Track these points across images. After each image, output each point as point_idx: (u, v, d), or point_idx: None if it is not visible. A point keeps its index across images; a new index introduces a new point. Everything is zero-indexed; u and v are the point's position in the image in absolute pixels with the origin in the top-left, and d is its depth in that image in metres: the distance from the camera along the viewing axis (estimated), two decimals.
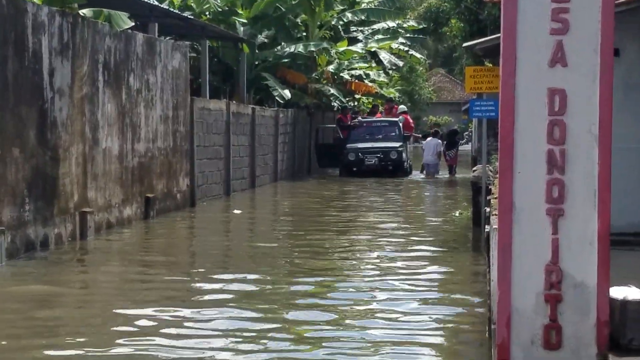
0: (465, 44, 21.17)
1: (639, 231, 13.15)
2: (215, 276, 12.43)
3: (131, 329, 9.43)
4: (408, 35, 44.59)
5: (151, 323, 9.62)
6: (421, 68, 69.41)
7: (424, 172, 34.12)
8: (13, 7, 13.60)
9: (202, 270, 13.30)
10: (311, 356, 8.54)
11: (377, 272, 12.74)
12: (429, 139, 34.88)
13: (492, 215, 9.33)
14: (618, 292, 6.46)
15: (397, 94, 52.80)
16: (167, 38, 25.63)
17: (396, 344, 8.87)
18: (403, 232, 17.31)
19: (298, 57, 33.37)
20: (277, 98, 31.49)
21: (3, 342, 8.87)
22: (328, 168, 35.33)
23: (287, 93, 31.23)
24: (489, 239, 9.85)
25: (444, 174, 33.97)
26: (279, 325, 9.53)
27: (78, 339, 9.00)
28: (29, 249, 13.86)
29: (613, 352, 6.30)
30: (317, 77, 35.72)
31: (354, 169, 32.72)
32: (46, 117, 14.54)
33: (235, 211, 20.87)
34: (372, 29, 40.69)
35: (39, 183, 14.28)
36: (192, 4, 29.97)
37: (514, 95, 6.41)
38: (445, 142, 34.73)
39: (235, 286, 11.71)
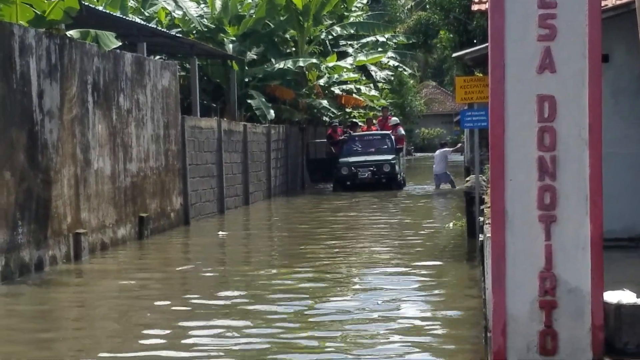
0: (454, 54, 21.19)
1: (633, 236, 13.18)
2: (211, 297, 12.40)
3: (129, 350, 9.39)
4: (397, 50, 44.59)
5: (153, 341, 9.61)
6: (411, 81, 69.42)
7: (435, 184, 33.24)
8: None
9: (198, 289, 13.26)
10: None
11: (371, 286, 12.74)
12: (437, 151, 33.92)
13: (486, 224, 9.31)
14: (612, 297, 6.46)
15: (388, 106, 52.73)
16: (156, 57, 25.63)
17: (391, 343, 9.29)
18: (397, 245, 17.28)
19: (288, 73, 33.32)
20: (267, 115, 31.39)
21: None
22: (321, 183, 35.21)
23: (271, 113, 30.90)
24: (483, 249, 9.84)
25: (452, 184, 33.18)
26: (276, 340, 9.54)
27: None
28: (23, 272, 13.81)
29: (609, 356, 6.29)
30: (307, 92, 35.71)
31: (348, 183, 32.46)
32: (36, 139, 14.52)
33: (220, 233, 20.66)
34: (361, 43, 40.71)
35: (32, 206, 14.25)
36: (179, 23, 29.96)
37: (504, 102, 6.41)
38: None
39: (234, 304, 11.69)
